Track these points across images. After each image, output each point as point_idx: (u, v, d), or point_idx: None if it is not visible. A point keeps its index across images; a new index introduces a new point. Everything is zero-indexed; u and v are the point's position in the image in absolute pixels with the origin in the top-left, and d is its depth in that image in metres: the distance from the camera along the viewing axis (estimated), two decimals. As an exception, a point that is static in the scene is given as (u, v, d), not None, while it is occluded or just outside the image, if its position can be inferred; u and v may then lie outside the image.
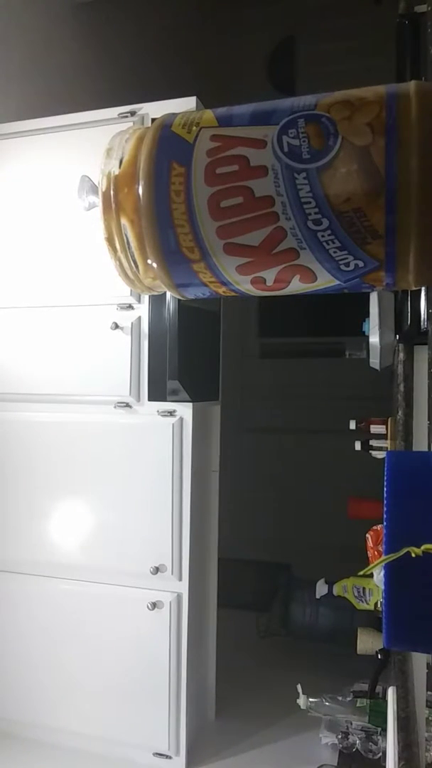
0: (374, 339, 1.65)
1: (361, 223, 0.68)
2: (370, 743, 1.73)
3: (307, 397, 3.59)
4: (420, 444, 1.42)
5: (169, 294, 0.86)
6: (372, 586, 1.74)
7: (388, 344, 1.62)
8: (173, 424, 1.86)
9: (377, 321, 1.61)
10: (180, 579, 1.88)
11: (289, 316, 3.58)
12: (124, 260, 0.80)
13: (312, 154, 0.68)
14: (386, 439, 1.82)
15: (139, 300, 1.89)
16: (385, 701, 1.61)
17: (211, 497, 2.11)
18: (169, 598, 1.87)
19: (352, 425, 1.92)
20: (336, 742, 1.81)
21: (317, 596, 1.89)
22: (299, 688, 1.85)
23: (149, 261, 0.78)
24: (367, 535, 1.53)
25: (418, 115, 0.66)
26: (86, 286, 1.93)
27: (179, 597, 1.88)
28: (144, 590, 1.89)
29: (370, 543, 1.52)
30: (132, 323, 1.88)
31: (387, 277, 0.72)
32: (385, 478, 0.72)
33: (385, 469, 0.72)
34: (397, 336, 1.55)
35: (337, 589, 1.81)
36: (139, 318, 1.89)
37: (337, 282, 0.74)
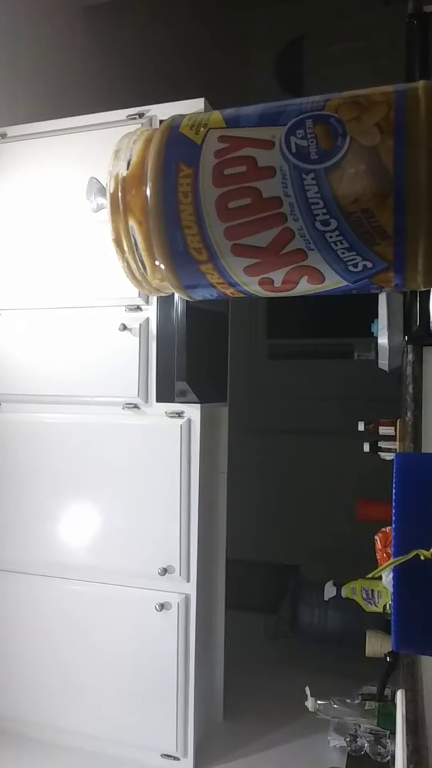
0: (383, 340, 1.64)
1: (370, 224, 0.67)
2: (379, 746, 1.72)
3: (315, 399, 3.57)
4: (429, 446, 1.41)
5: (177, 295, 0.86)
6: (381, 589, 1.73)
7: (396, 345, 1.61)
8: (181, 426, 1.86)
9: (386, 322, 1.60)
10: (188, 580, 1.88)
11: (297, 317, 3.58)
12: (131, 261, 0.80)
13: (320, 155, 0.68)
14: (395, 440, 1.81)
15: (147, 301, 1.89)
16: (394, 704, 1.60)
17: (219, 498, 2.11)
18: (177, 600, 1.87)
19: (361, 426, 1.91)
20: (344, 744, 1.80)
21: (325, 598, 1.88)
22: (307, 690, 1.84)
23: (157, 262, 0.78)
24: (376, 537, 1.52)
25: (427, 114, 0.66)
26: (94, 287, 1.93)
27: (187, 598, 1.88)
28: (152, 591, 1.89)
29: (378, 545, 1.51)
30: (140, 324, 1.89)
31: (396, 277, 0.72)
32: (394, 479, 0.71)
33: (394, 470, 0.72)
34: (406, 337, 1.54)
35: (345, 591, 1.81)
36: (147, 319, 1.89)
37: (346, 283, 0.74)
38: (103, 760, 1.96)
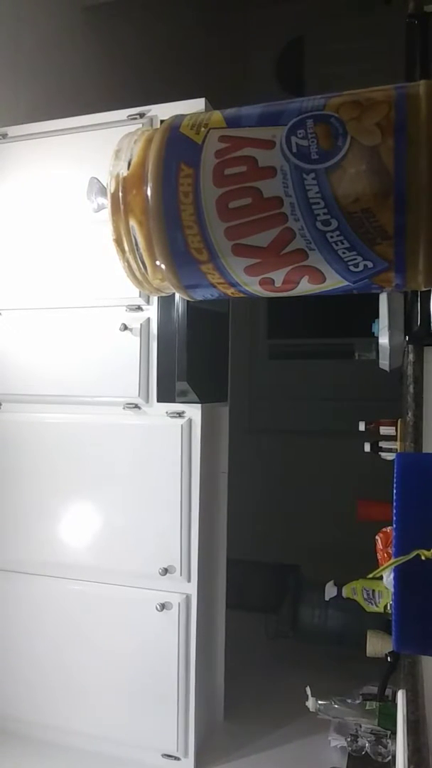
0: (384, 340, 1.64)
1: (370, 224, 0.67)
2: (380, 746, 1.72)
3: (316, 399, 3.58)
4: (430, 446, 1.41)
5: (177, 295, 0.86)
6: (382, 589, 1.72)
7: (397, 345, 1.61)
8: (182, 426, 1.86)
9: (387, 322, 1.60)
10: (189, 580, 1.88)
11: (298, 317, 3.58)
12: (132, 261, 0.80)
13: (321, 155, 0.68)
14: (396, 440, 1.81)
15: (148, 301, 1.89)
16: (395, 704, 1.60)
17: (220, 498, 2.11)
18: (178, 600, 1.87)
19: (362, 426, 1.91)
20: (345, 744, 1.79)
21: (326, 598, 1.88)
22: (308, 690, 1.84)
23: (157, 262, 0.78)
24: (377, 537, 1.52)
25: (428, 114, 0.66)
26: (95, 287, 1.93)
27: (188, 598, 1.88)
28: (153, 591, 1.89)
29: (379, 545, 1.51)
30: (141, 324, 1.89)
31: (396, 277, 0.72)
32: (395, 479, 0.71)
33: (395, 470, 0.72)
34: (407, 337, 1.54)
35: (346, 592, 1.80)
36: (148, 319, 1.89)
37: (347, 283, 0.74)
38: (103, 760, 1.96)
